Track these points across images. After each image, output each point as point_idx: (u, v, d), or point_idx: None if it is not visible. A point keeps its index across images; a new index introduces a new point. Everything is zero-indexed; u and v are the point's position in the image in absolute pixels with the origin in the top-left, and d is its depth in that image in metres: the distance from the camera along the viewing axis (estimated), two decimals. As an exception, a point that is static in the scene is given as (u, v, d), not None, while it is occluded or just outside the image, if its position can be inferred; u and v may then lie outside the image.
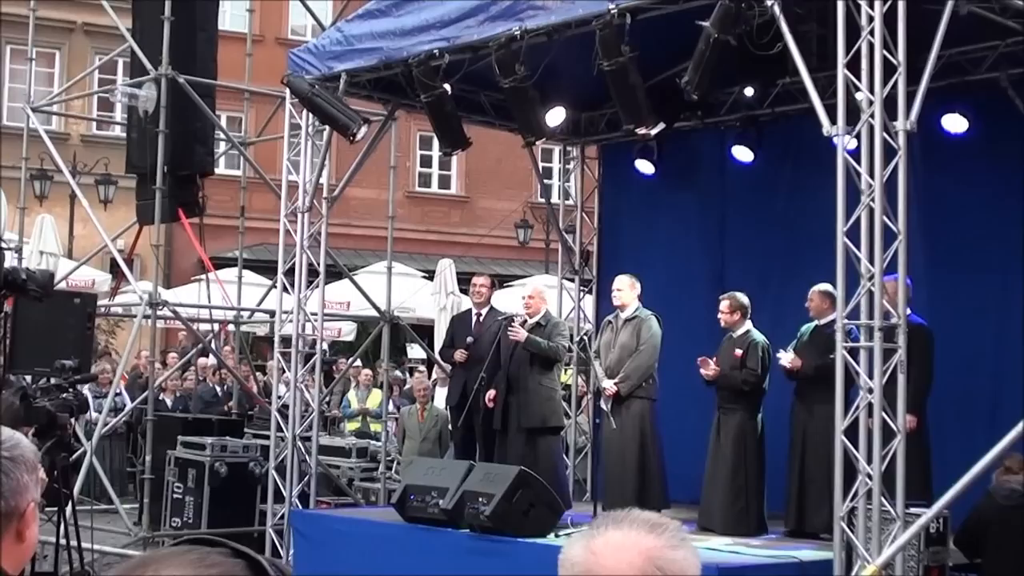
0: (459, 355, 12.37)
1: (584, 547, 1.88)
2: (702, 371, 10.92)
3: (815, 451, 10.44)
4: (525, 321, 11.94)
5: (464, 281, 20.02)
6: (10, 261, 4.68)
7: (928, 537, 8.53)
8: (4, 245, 4.63)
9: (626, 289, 11.62)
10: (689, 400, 11.53)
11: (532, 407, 11.71)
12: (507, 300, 17.31)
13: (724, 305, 11.22)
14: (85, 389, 12.25)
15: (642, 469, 11.16)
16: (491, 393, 11.88)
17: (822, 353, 10.39)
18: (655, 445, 11.28)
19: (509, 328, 11.82)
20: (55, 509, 6.36)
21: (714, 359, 11.00)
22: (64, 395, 6.01)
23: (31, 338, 8.22)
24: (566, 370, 14.03)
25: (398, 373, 22.03)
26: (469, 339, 12.37)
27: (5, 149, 24.90)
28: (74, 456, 9.17)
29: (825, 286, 10.62)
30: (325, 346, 25.65)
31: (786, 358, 10.80)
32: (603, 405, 11.41)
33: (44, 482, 3.04)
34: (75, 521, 6.42)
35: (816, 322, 10.93)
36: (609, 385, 11.17)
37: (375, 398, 18.40)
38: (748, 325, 11.15)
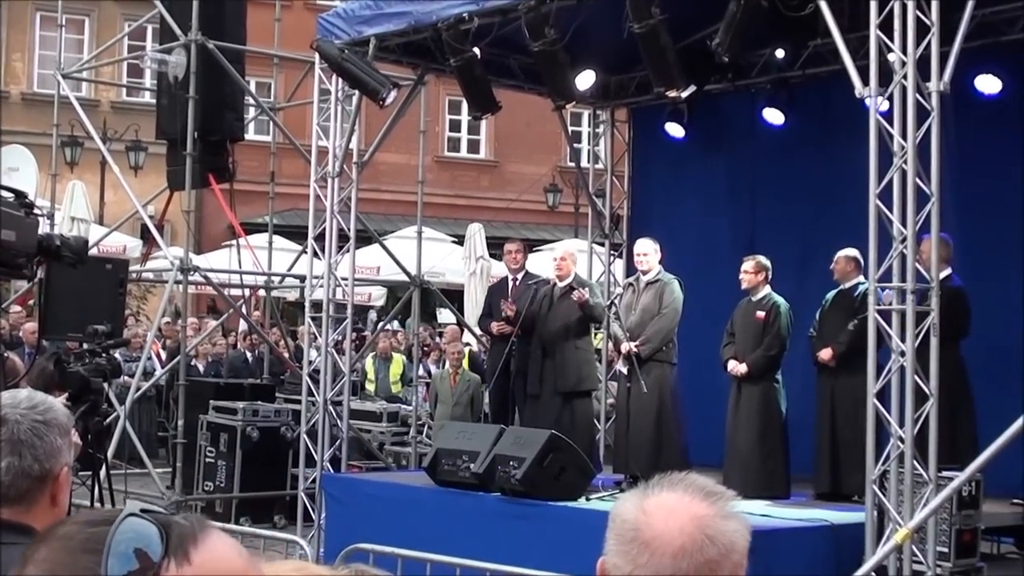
0: (496, 327, 12.31)
1: (636, 506, 1.89)
2: (822, 356, 10.79)
3: (846, 414, 10.42)
4: (554, 284, 11.89)
5: (493, 246, 20.06)
6: (43, 228, 4.68)
7: (960, 500, 8.51)
8: (36, 212, 4.62)
9: (651, 253, 11.55)
10: (712, 364, 11.49)
11: (568, 370, 11.66)
12: (537, 264, 17.28)
13: (749, 265, 11.19)
14: (117, 354, 12.31)
15: (659, 433, 11.16)
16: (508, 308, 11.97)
17: (847, 316, 10.45)
18: (674, 409, 11.28)
19: (572, 292, 11.67)
20: (89, 473, 6.39)
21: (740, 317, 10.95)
22: (97, 360, 6.02)
23: (63, 304, 8.26)
24: (596, 334, 13.98)
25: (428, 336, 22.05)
26: (507, 313, 12.22)
27: (36, 116, 25.00)
28: (107, 420, 9.22)
29: (851, 250, 10.66)
30: (373, 315, 25.76)
31: (824, 354, 10.75)
32: (622, 368, 11.39)
33: (78, 446, 3.06)
34: (109, 485, 6.45)
35: (841, 286, 10.93)
36: (627, 345, 11.11)
37: (397, 365, 18.43)
38: (768, 288, 11.15)
